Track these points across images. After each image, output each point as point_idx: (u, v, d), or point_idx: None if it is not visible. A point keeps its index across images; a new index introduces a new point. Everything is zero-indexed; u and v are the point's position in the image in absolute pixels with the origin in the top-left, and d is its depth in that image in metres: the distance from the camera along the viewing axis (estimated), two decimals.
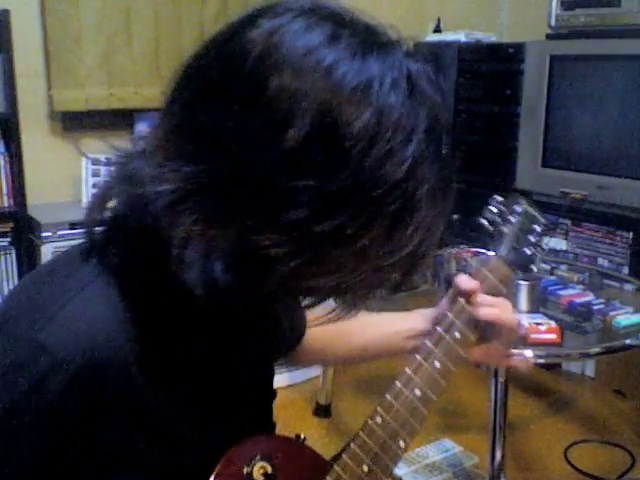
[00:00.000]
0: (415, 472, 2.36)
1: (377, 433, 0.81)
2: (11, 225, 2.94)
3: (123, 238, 0.67)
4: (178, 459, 0.71)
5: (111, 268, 0.66)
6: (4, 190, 2.89)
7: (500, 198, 0.99)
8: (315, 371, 3.00)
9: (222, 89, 0.59)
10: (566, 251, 3.10)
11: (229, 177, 0.58)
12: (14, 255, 2.96)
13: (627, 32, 2.83)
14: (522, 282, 2.04)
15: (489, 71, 3.49)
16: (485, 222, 0.98)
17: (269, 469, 0.74)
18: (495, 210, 0.98)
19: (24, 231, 2.92)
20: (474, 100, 3.58)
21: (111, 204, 0.67)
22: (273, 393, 0.91)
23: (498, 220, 0.97)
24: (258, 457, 0.74)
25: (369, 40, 0.60)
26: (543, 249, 0.98)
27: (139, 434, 0.67)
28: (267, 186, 0.57)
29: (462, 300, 0.88)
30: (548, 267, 2.49)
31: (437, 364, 0.85)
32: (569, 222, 3.10)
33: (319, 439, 2.60)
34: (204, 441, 0.73)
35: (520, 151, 3.27)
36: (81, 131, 3.11)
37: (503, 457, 2.14)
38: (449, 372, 0.85)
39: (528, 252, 0.96)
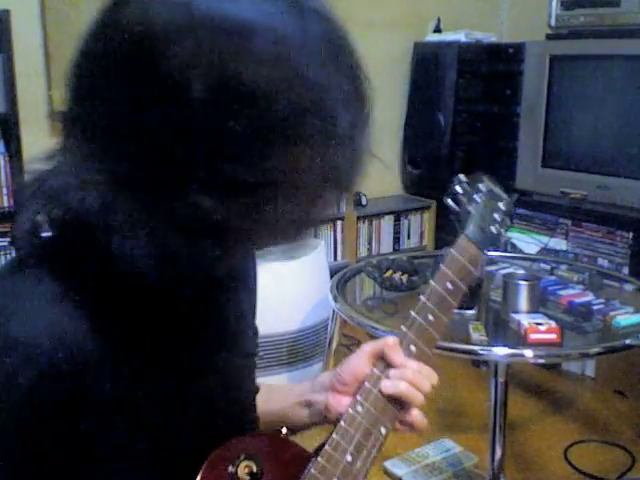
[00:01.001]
0: (415, 472, 2.37)
1: (358, 421, 0.81)
2: (11, 225, 2.94)
3: (66, 248, 0.66)
4: (162, 455, 0.71)
5: (56, 271, 0.66)
6: (4, 190, 2.90)
7: (464, 177, 0.98)
8: (315, 371, 3.00)
9: (119, 77, 0.59)
10: (566, 251, 3.10)
11: (151, 156, 0.58)
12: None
13: (627, 32, 2.83)
14: (522, 282, 2.04)
15: (489, 71, 3.49)
16: (451, 202, 0.97)
17: (254, 467, 0.74)
18: (460, 190, 0.97)
19: None
20: (474, 100, 3.58)
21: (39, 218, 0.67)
22: (256, 388, 0.91)
23: (464, 200, 0.96)
24: (242, 456, 0.74)
25: None
26: (508, 227, 0.97)
27: (121, 428, 0.67)
28: (190, 148, 0.57)
29: (433, 283, 0.87)
30: (548, 267, 2.49)
31: (413, 348, 0.84)
32: (569, 222, 3.10)
33: (319, 439, 2.60)
34: (186, 436, 0.72)
35: (520, 151, 3.27)
36: None
37: (503, 457, 2.14)
38: (425, 356, 0.85)
39: (494, 231, 0.95)
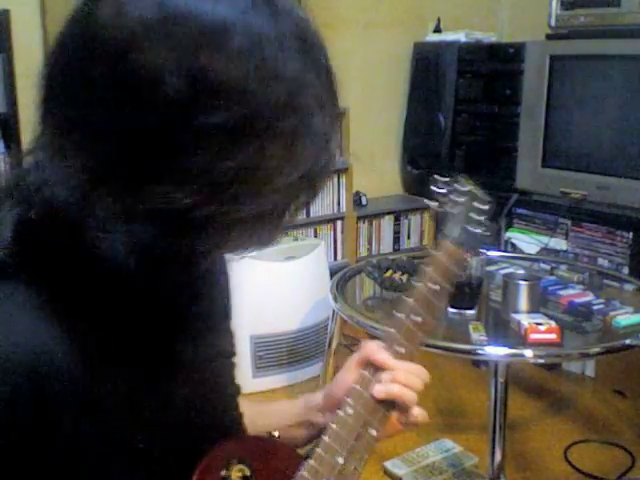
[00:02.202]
0: (415, 472, 2.37)
1: (349, 423, 0.80)
2: None
3: (37, 249, 0.65)
4: (146, 457, 0.70)
5: (26, 280, 0.64)
6: None
7: (443, 179, 0.98)
8: (315, 371, 3.00)
9: (87, 73, 0.58)
10: (566, 251, 3.10)
11: (125, 152, 0.58)
12: None
13: (627, 32, 2.83)
14: (522, 282, 2.04)
15: (489, 71, 3.49)
16: (432, 204, 0.97)
17: (247, 471, 0.74)
18: (440, 191, 0.97)
19: None
20: (474, 100, 3.58)
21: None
22: (237, 387, 0.90)
23: (444, 201, 0.96)
24: (235, 460, 0.73)
25: None
26: (489, 228, 0.97)
27: (100, 433, 0.66)
28: (165, 143, 0.57)
29: (419, 284, 0.87)
30: (548, 267, 2.49)
31: (400, 349, 0.84)
32: (569, 222, 3.10)
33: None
34: (168, 436, 0.71)
35: (520, 151, 3.27)
36: None
37: (503, 457, 2.14)
38: (413, 356, 0.84)
39: (477, 231, 0.95)
